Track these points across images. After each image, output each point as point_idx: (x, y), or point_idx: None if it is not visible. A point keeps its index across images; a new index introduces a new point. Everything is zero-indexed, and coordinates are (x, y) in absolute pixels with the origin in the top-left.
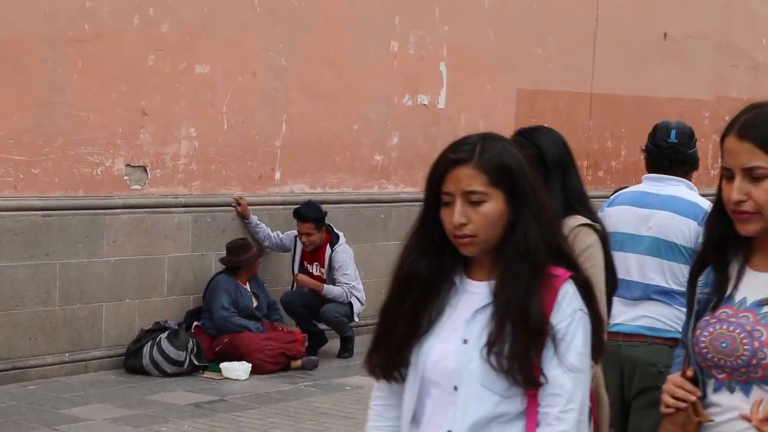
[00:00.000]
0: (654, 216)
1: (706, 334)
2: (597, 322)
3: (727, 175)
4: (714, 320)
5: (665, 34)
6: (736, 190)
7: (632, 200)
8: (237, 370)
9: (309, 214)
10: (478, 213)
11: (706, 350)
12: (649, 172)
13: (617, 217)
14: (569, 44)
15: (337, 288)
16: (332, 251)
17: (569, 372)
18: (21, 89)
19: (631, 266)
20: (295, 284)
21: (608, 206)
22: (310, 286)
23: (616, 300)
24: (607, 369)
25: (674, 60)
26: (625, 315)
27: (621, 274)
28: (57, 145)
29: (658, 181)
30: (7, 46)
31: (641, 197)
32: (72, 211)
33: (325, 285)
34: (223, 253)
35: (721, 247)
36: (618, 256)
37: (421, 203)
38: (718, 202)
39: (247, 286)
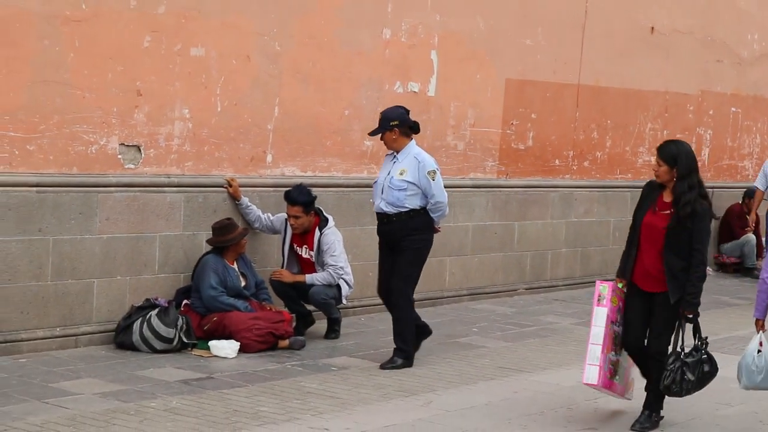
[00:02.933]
0: None
1: None
2: None
3: None
4: None
5: (652, 28)
6: None
7: None
8: (225, 348)
9: (298, 197)
10: None
11: None
12: None
13: None
14: (558, 36)
15: (320, 274)
16: (321, 234)
17: None
18: (18, 66)
19: None
20: (284, 264)
21: None
22: (290, 281)
23: None
24: None
25: (660, 54)
26: None
27: None
28: (52, 123)
29: None
30: (4, 23)
31: None
32: (66, 188)
33: (307, 275)
34: None
35: None
36: None
37: None
38: None
39: (235, 266)
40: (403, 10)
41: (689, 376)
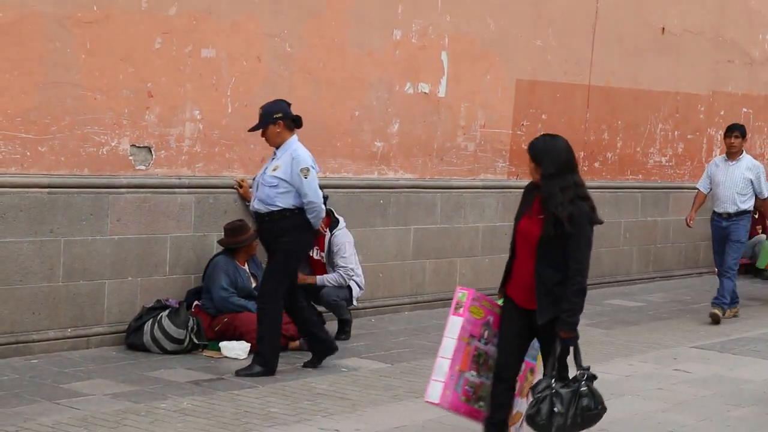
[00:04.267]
0: None
1: None
2: None
3: None
4: None
5: (663, 29)
6: None
7: None
8: (236, 349)
9: None
10: None
11: None
12: None
13: None
14: (568, 36)
15: (331, 275)
16: (332, 235)
17: None
18: (29, 68)
19: None
20: None
21: None
22: (300, 283)
23: None
24: None
25: (671, 54)
26: None
27: None
28: (64, 124)
29: None
30: (16, 25)
31: None
32: (77, 189)
33: (317, 277)
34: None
35: None
36: None
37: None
38: None
39: (246, 267)
40: (414, 11)
41: (559, 407)
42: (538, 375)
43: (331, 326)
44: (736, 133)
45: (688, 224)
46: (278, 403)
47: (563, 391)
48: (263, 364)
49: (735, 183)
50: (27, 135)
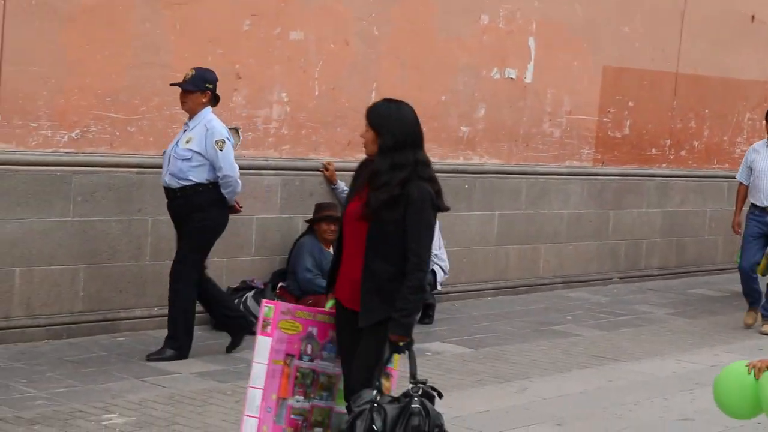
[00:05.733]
0: None
1: None
2: None
3: None
4: None
5: (753, 17)
6: None
7: None
8: None
9: None
10: None
11: None
12: None
13: None
14: (656, 23)
15: None
16: None
17: None
18: (119, 49)
19: None
20: None
21: None
22: None
23: None
24: None
25: (760, 43)
26: None
27: None
28: (153, 105)
29: None
30: (106, 6)
31: None
32: None
33: None
34: (310, 215)
35: None
36: None
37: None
38: None
39: (331, 250)
40: None
41: (379, 425)
42: (394, 380)
43: None
44: None
45: (736, 232)
46: None
47: (389, 407)
48: (177, 348)
49: None
50: (116, 115)
